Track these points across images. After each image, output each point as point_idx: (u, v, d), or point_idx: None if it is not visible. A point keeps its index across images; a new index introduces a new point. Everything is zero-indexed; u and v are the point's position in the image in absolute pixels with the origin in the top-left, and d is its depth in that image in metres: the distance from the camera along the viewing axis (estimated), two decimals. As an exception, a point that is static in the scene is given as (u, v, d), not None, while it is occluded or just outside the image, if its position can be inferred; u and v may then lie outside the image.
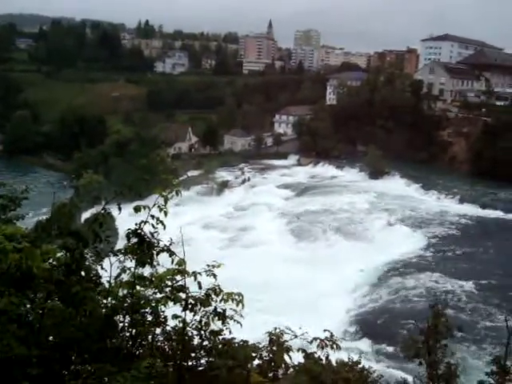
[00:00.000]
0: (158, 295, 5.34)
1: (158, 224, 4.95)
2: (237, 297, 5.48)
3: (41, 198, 76.01)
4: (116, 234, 39.36)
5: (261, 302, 34.37)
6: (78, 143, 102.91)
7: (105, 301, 5.10)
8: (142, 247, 4.91)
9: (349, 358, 8.94)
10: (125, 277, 5.23)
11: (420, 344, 13.90)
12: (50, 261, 4.16)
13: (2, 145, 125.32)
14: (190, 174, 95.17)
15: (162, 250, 5.07)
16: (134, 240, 4.94)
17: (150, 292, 5.32)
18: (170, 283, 5.33)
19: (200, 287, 5.17)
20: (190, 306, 5.08)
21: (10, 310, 3.56)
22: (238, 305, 5.43)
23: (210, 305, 5.15)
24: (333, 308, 39.35)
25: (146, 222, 4.89)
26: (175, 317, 5.36)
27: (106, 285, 5.22)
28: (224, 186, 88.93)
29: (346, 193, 78.64)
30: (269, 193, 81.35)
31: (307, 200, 76.95)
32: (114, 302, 5.04)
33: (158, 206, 4.93)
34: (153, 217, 4.88)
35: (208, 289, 5.18)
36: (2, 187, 5.51)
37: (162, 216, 5.09)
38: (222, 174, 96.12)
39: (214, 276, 5.22)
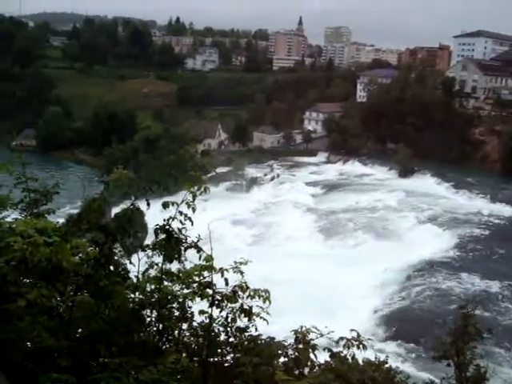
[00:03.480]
0: (186, 291, 5.39)
1: (185, 220, 4.98)
2: (263, 293, 5.50)
3: (72, 192, 77.33)
4: (145, 229, 39.85)
5: (287, 300, 34.32)
6: (109, 139, 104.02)
7: (133, 295, 5.16)
8: (170, 243, 4.95)
9: (375, 358, 8.87)
10: (153, 272, 5.29)
11: (448, 345, 13.72)
12: (80, 255, 4.21)
13: (35, 140, 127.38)
14: (219, 170, 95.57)
15: (190, 247, 5.11)
16: (162, 236, 4.99)
17: (177, 287, 5.37)
18: (197, 279, 5.38)
19: (227, 284, 5.20)
20: (216, 303, 5.11)
21: (40, 302, 3.63)
22: (264, 301, 5.46)
23: (236, 301, 5.18)
24: (360, 307, 39.12)
25: (174, 218, 4.93)
26: (202, 312, 5.41)
27: (134, 279, 5.28)
28: (253, 182, 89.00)
29: (375, 191, 77.97)
30: (297, 190, 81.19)
31: (336, 198, 76.58)
32: (141, 296, 5.10)
33: (187, 203, 4.96)
34: (181, 213, 4.91)
35: (235, 285, 5.21)
36: (35, 181, 5.59)
37: (190, 212, 5.13)
38: (251, 171, 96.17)
39: (241, 273, 5.25)
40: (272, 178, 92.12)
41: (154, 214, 6.99)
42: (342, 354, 5.88)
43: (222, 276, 5.17)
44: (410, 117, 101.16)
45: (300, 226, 63.60)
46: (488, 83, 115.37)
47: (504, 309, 40.54)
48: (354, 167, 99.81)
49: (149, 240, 5.37)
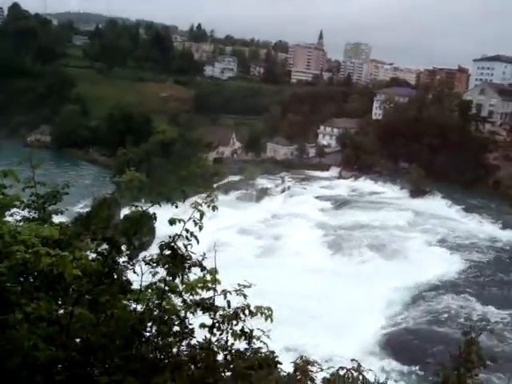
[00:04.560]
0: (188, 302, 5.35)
1: (191, 237, 4.96)
2: (266, 311, 5.46)
3: (83, 190, 77.56)
4: (153, 232, 39.89)
5: (292, 313, 34.19)
6: (124, 140, 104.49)
7: (134, 305, 5.15)
8: (175, 260, 4.93)
9: (375, 379, 8.78)
10: (155, 280, 5.26)
11: (450, 371, 13.57)
12: (83, 261, 4.19)
13: (51, 137, 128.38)
14: (230, 178, 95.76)
15: (194, 265, 5.08)
16: (167, 252, 4.97)
17: (179, 301, 5.34)
18: (200, 291, 5.34)
19: (229, 306, 5.16)
20: (217, 325, 5.08)
21: (38, 314, 3.63)
22: (266, 319, 5.41)
23: (237, 323, 5.14)
24: (364, 324, 38.86)
25: (179, 236, 4.91)
26: (202, 326, 5.37)
27: (137, 286, 5.27)
28: (263, 193, 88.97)
29: (386, 209, 77.64)
30: (307, 203, 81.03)
31: (345, 213, 76.37)
32: (142, 308, 5.08)
33: (194, 220, 4.94)
34: (187, 231, 4.89)
35: (237, 307, 5.17)
36: (43, 186, 5.62)
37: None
38: (263, 181, 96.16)
39: (245, 296, 5.19)
40: (283, 190, 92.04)
41: (162, 216, 7.00)
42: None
43: (225, 298, 5.14)
44: (426, 137, 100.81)
45: (308, 240, 63.39)
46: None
47: (509, 337, 40.14)
48: (365, 184, 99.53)
49: (156, 244, 5.36)
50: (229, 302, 5.14)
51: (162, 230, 5.45)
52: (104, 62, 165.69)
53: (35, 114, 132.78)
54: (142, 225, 5.65)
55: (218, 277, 5.37)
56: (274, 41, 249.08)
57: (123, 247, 5.02)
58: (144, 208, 5.19)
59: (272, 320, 5.41)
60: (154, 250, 5.68)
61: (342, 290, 44.47)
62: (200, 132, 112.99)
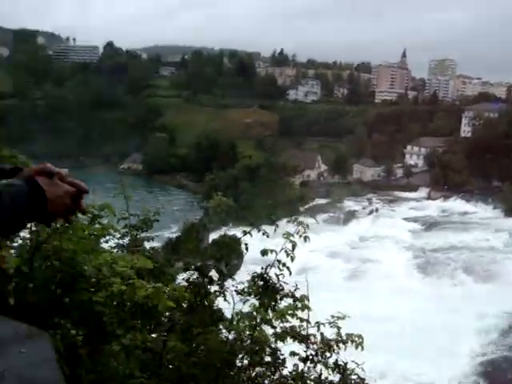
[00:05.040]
0: (278, 330, 5.35)
1: (283, 268, 4.96)
2: (356, 338, 5.37)
3: (173, 215, 79.35)
4: (241, 257, 40.32)
5: (381, 339, 33.39)
6: (210, 166, 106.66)
7: (225, 334, 5.20)
8: (267, 291, 4.96)
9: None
10: (245, 308, 5.29)
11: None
12: (176, 292, 4.26)
13: (142, 164, 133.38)
14: (317, 201, 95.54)
15: (287, 295, 5.08)
16: (260, 283, 4.99)
17: (270, 331, 5.33)
18: (290, 318, 5.32)
19: (323, 339, 5.11)
20: (310, 358, 5.04)
21: (134, 344, 3.74)
22: (357, 347, 5.32)
23: (331, 356, 5.07)
24: (457, 351, 37.38)
25: (271, 266, 4.93)
26: (293, 354, 5.34)
27: (228, 315, 5.31)
28: (351, 215, 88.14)
29: (479, 230, 74.90)
30: (396, 225, 79.52)
31: (436, 235, 74.29)
32: (234, 336, 5.11)
33: (285, 251, 4.95)
34: (279, 261, 4.91)
35: (331, 339, 5.11)
36: (135, 217, 5.83)
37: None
38: (350, 204, 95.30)
39: (338, 328, 5.13)
40: (370, 212, 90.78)
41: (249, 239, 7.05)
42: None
43: (318, 330, 5.09)
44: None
45: (397, 263, 62.02)
46: None
47: None
48: (456, 204, 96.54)
49: (244, 268, 5.41)
50: (322, 335, 5.08)
51: (250, 253, 5.49)
52: (190, 91, 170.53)
53: (126, 143, 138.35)
54: (231, 250, 5.74)
55: (308, 303, 5.35)
56: (357, 62, 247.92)
57: (214, 275, 5.10)
58: (232, 234, 5.27)
59: (363, 348, 5.32)
60: (242, 274, 5.73)
61: (434, 314, 43.05)
62: (285, 156, 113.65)
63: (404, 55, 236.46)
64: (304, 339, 5.08)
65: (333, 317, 5.17)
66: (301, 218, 5.50)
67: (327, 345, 5.06)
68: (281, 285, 5.03)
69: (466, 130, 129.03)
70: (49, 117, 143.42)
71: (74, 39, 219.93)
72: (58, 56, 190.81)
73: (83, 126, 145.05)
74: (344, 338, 5.29)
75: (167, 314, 4.12)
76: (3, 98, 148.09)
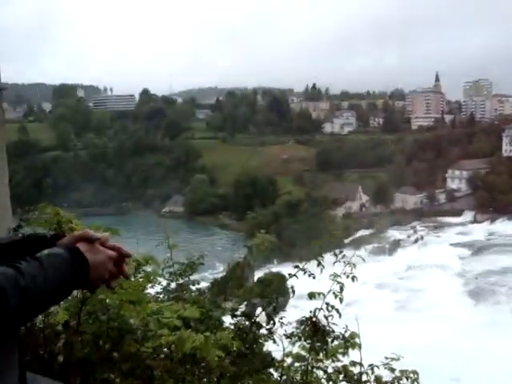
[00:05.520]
0: (330, 370, 5.22)
1: (332, 310, 4.86)
2: (412, 375, 5.20)
3: (217, 255, 79.63)
4: (287, 293, 39.97)
5: (435, 374, 32.24)
6: (251, 204, 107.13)
7: (277, 377, 5.10)
8: (317, 335, 4.86)
9: None
10: (295, 349, 5.19)
11: None
12: (224, 342, 4.19)
13: (183, 206, 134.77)
14: (361, 233, 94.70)
15: (337, 337, 4.97)
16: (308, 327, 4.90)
17: (321, 372, 5.21)
18: (341, 357, 5.19)
19: (376, 382, 4.95)
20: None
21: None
22: (412, 384, 5.14)
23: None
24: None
25: (320, 309, 4.84)
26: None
27: (278, 356, 5.22)
28: (396, 245, 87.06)
29: (531, 252, 73.01)
30: (443, 252, 78.08)
31: (486, 259, 72.64)
32: (285, 380, 5.00)
33: (333, 293, 4.86)
34: (327, 304, 4.82)
35: (386, 382, 4.95)
36: (181, 265, 5.85)
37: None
38: (394, 233, 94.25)
39: (392, 370, 4.97)
40: (416, 240, 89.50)
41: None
42: None
43: (373, 373, 4.94)
44: None
45: (446, 291, 60.67)
46: None
47: None
48: (504, 226, 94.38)
49: (291, 303, 5.32)
50: (378, 379, 4.92)
51: (297, 289, 5.42)
52: (226, 131, 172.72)
53: (167, 186, 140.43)
54: (277, 287, 5.65)
55: (359, 340, 5.22)
56: (390, 90, 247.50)
57: (263, 320, 5.02)
58: (277, 271, 5.20)
59: (418, 384, 5.14)
60: (290, 311, 5.65)
61: (492, 344, 41.60)
62: (326, 189, 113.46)
63: (437, 79, 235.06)
64: (358, 382, 4.93)
65: (386, 358, 5.02)
66: (345, 252, 5.42)
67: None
68: (330, 327, 4.92)
69: (507, 150, 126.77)
70: (91, 165, 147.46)
71: (111, 89, 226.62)
72: (96, 106, 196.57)
73: (124, 172, 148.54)
74: (398, 375, 5.13)
75: (215, 369, 4.06)
76: (48, 150, 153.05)
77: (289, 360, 5.22)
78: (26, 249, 1.89)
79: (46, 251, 1.79)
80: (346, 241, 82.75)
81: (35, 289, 1.66)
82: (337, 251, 5.39)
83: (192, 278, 6.07)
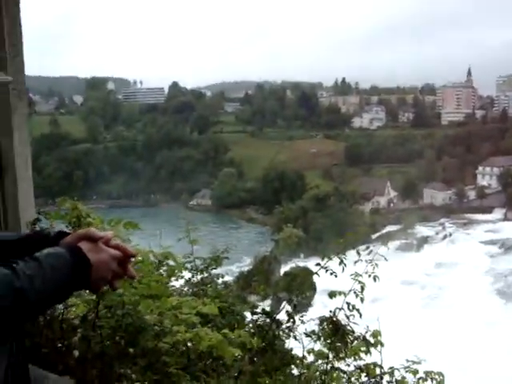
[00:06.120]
0: (351, 368, 5.14)
1: (353, 311, 4.77)
2: (437, 376, 5.08)
3: (244, 249, 79.96)
4: (313, 287, 39.81)
5: (463, 375, 31.75)
6: (279, 198, 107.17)
7: (296, 372, 5.05)
8: (337, 335, 4.78)
9: None
10: (317, 346, 5.12)
11: None
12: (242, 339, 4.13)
13: (211, 200, 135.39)
14: (388, 228, 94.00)
15: (357, 338, 4.89)
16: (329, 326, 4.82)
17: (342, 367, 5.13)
18: (364, 356, 5.10)
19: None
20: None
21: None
22: (437, 386, 5.02)
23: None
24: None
25: (341, 309, 4.76)
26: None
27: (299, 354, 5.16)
28: (424, 241, 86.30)
29: None
30: (472, 249, 77.03)
31: (517, 258, 71.55)
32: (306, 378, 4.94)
33: (354, 292, 4.78)
34: (348, 304, 4.74)
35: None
36: (201, 260, 5.84)
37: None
38: (422, 229, 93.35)
39: (414, 374, 4.85)
40: (444, 237, 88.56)
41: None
42: None
43: (392, 376, 4.84)
44: None
45: (475, 289, 59.89)
46: None
47: None
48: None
49: (317, 299, 5.26)
50: (397, 382, 4.82)
51: (322, 283, 5.35)
52: (255, 125, 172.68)
53: (195, 180, 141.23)
54: (303, 282, 5.59)
55: (381, 338, 5.12)
56: (420, 84, 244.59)
57: (284, 318, 4.96)
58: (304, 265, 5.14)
59: (445, 387, 5.03)
60: (316, 305, 5.57)
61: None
62: (354, 184, 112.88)
63: (469, 73, 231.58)
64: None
65: (408, 361, 4.91)
66: (372, 247, 5.34)
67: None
68: (351, 327, 4.84)
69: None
70: (120, 158, 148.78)
71: (141, 82, 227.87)
72: (126, 99, 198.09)
73: (153, 165, 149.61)
74: (423, 376, 5.02)
75: (234, 360, 4.01)
76: (79, 142, 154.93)
77: (310, 358, 5.16)
78: (29, 247, 1.85)
79: (45, 250, 1.75)
80: (374, 236, 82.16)
81: (31, 290, 1.62)
82: (361, 248, 5.31)
83: (217, 271, 6.08)
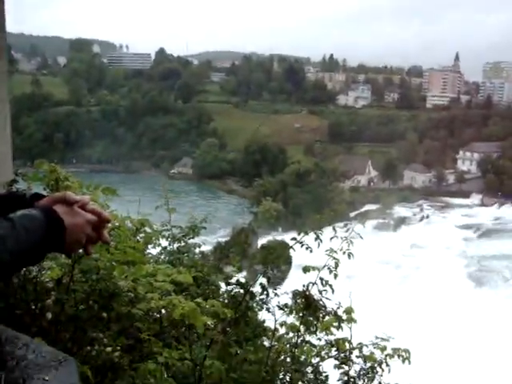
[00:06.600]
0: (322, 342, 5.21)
1: (326, 285, 4.82)
2: (403, 353, 5.19)
3: (222, 220, 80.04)
4: (290, 262, 40.11)
5: (429, 353, 32.39)
6: (260, 171, 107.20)
7: (267, 343, 5.11)
8: (309, 310, 4.83)
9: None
10: (289, 319, 5.18)
11: None
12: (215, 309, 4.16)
13: (192, 169, 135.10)
14: (367, 207, 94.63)
15: (329, 313, 4.95)
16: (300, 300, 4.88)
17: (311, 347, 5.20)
18: (335, 331, 5.17)
19: (365, 361, 4.94)
20: (351, 381, 4.88)
21: (170, 363, 3.68)
22: (404, 362, 5.15)
23: (373, 378, 4.91)
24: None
25: (314, 284, 4.81)
26: (338, 367, 5.18)
27: (272, 326, 5.21)
28: (401, 221, 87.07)
29: (536, 238, 72.82)
30: (448, 232, 78.00)
31: (489, 243, 72.59)
32: (276, 350, 5.00)
33: (328, 268, 4.83)
34: (322, 279, 4.78)
35: (374, 361, 4.94)
36: (178, 228, 5.84)
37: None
38: (400, 210, 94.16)
39: (382, 350, 4.95)
40: (421, 219, 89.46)
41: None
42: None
43: (361, 352, 4.94)
44: None
45: (448, 271, 60.78)
46: None
47: None
48: (510, 211, 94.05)
49: (292, 274, 5.30)
50: (365, 357, 4.92)
51: (299, 258, 5.39)
52: (240, 97, 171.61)
53: (177, 148, 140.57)
54: (279, 255, 5.63)
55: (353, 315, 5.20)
56: (408, 66, 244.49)
57: (258, 291, 5.00)
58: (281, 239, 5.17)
59: (410, 362, 5.15)
60: (291, 280, 5.61)
61: (487, 328, 41.72)
62: (335, 161, 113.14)
63: (457, 58, 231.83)
64: (345, 361, 4.93)
65: (377, 338, 5.00)
66: (349, 224, 5.38)
67: (371, 367, 4.89)
68: (323, 303, 4.90)
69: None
70: (102, 122, 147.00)
71: (127, 46, 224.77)
72: (111, 63, 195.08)
73: (135, 132, 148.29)
74: (391, 352, 5.12)
75: (206, 328, 4.04)
76: (60, 104, 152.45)
77: (282, 330, 5.23)
78: (3, 208, 1.82)
79: (20, 212, 1.72)
80: (352, 214, 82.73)
81: (4, 250, 1.61)
82: (339, 225, 5.36)
83: (194, 240, 6.09)
